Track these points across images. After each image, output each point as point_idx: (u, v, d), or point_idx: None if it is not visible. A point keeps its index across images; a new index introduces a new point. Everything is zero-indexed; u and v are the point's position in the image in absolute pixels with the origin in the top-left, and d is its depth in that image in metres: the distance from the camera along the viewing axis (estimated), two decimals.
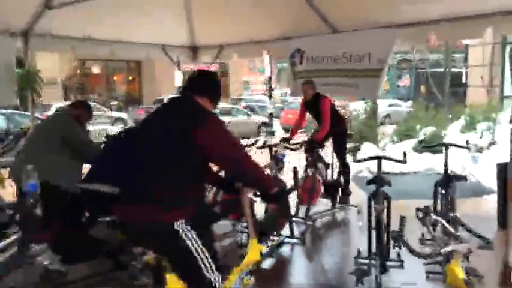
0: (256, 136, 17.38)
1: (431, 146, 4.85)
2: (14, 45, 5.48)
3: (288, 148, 4.77)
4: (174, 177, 2.17)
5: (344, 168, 5.75)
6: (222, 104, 20.00)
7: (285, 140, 5.54)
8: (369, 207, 3.84)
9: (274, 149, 4.67)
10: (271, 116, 17.85)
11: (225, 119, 17.21)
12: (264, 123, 18.19)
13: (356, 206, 5.72)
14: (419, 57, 27.02)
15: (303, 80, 5.85)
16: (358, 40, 5.55)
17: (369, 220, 3.87)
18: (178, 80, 9.70)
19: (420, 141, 8.04)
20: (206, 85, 2.49)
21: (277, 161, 4.36)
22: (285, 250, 4.55)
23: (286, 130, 16.76)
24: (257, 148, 4.72)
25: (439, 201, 4.38)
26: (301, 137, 6.30)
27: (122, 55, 6.69)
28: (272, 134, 15.48)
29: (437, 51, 27.13)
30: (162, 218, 2.12)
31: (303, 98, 5.82)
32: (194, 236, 2.14)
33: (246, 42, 6.89)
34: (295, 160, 6.23)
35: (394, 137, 10.71)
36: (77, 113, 4.00)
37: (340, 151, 5.78)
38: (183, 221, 2.13)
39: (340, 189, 5.80)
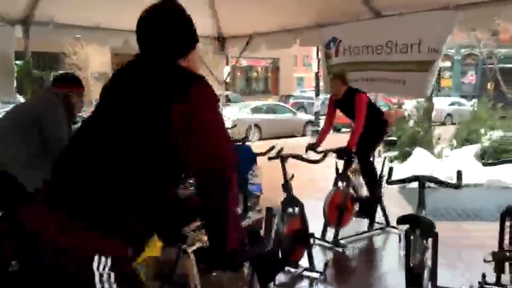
0: (301, 135, 16.47)
1: (496, 163, 3.71)
2: (12, 34, 4.95)
3: (305, 160, 3.80)
4: (130, 185, 1.41)
5: (365, 168, 4.72)
6: (266, 102, 19.22)
7: (311, 147, 4.62)
8: (407, 241, 2.84)
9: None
10: (317, 114, 16.75)
11: (269, 117, 16.61)
12: (310, 122, 17.18)
13: (397, 228, 4.65)
14: (486, 51, 24.66)
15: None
16: (407, 26, 4.50)
17: (407, 259, 2.87)
18: (226, 75, 9.06)
19: (482, 155, 6.74)
20: (174, 32, 1.56)
21: (247, 197, 3.16)
22: (302, 286, 3.64)
23: (334, 129, 15.68)
24: (269, 159, 3.81)
25: (506, 237, 3.28)
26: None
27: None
28: (318, 133, 14.43)
29: (507, 46, 24.73)
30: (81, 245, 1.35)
31: (332, 95, 4.86)
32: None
33: (276, 31, 6.03)
34: (323, 170, 5.33)
35: (453, 142, 9.37)
36: (65, 93, 3.13)
37: (366, 148, 4.73)
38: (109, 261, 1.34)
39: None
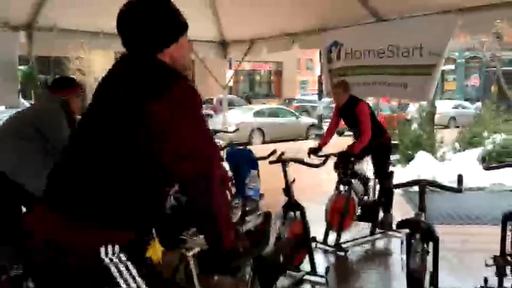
0: (305, 139, 16.45)
1: (498, 166, 3.69)
2: (16, 40, 4.99)
3: (306, 164, 3.79)
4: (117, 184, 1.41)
5: (385, 188, 4.72)
6: (269, 105, 19.17)
7: (313, 151, 4.62)
8: (408, 245, 2.83)
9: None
10: (320, 117, 16.74)
11: (272, 120, 16.59)
12: (313, 125, 17.16)
13: (399, 232, 4.64)
14: (490, 54, 24.57)
15: (335, 80, 4.90)
16: (408, 30, 4.52)
17: (408, 263, 2.86)
18: (229, 79, 9.08)
19: (483, 158, 6.70)
20: (153, 24, 1.47)
21: (246, 201, 3.03)
22: None
23: (337, 133, 15.63)
24: (270, 163, 3.81)
25: (508, 241, 3.27)
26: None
27: None
28: (321, 137, 14.42)
29: (510, 49, 24.64)
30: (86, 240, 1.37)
31: (335, 102, 4.88)
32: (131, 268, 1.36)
33: (278, 35, 6.06)
34: (325, 174, 5.32)
35: (456, 145, 9.33)
36: (64, 98, 3.19)
37: (380, 167, 4.75)
38: (117, 247, 1.36)
39: (380, 211, 4.78)
